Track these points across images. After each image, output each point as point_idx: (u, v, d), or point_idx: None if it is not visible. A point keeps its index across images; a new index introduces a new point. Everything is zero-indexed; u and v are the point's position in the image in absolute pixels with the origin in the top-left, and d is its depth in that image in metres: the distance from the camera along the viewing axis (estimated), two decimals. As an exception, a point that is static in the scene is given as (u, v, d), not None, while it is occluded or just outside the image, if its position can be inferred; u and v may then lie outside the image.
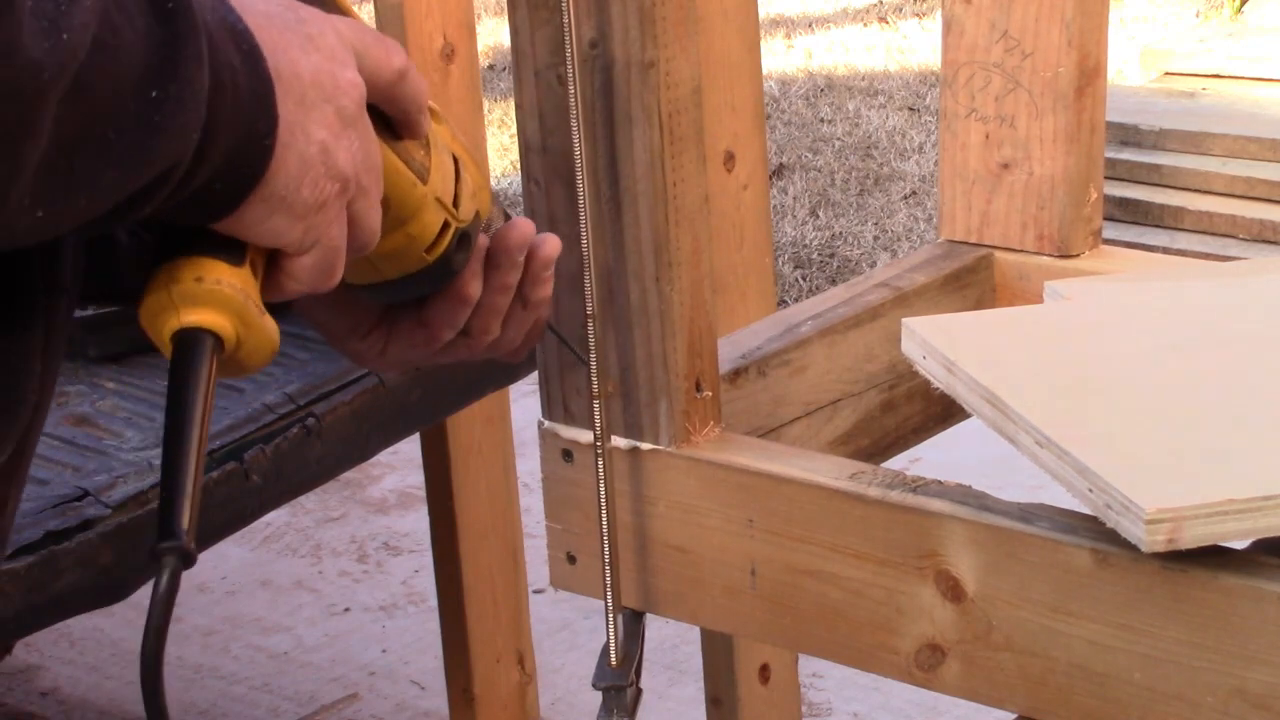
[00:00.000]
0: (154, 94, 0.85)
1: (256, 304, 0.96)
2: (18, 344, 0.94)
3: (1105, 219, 1.71)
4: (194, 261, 0.94)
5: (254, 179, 0.92)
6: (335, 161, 0.95)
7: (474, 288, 1.13)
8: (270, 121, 0.92)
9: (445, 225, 1.09)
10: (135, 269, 0.96)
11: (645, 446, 1.31)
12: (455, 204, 1.10)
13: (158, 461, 1.97)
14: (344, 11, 1.04)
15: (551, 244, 1.16)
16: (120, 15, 0.84)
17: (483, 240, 1.14)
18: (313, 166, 0.94)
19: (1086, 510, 1.16)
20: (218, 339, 0.94)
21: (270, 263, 0.98)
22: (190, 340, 0.94)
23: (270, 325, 0.96)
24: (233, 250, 0.95)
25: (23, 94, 0.79)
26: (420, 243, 1.09)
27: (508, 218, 1.19)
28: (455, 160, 1.12)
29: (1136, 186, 5.00)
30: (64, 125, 0.81)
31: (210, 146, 0.89)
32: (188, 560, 0.90)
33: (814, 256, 5.00)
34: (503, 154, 5.88)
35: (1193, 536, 1.10)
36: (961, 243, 1.68)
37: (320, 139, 0.95)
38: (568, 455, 1.35)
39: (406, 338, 1.15)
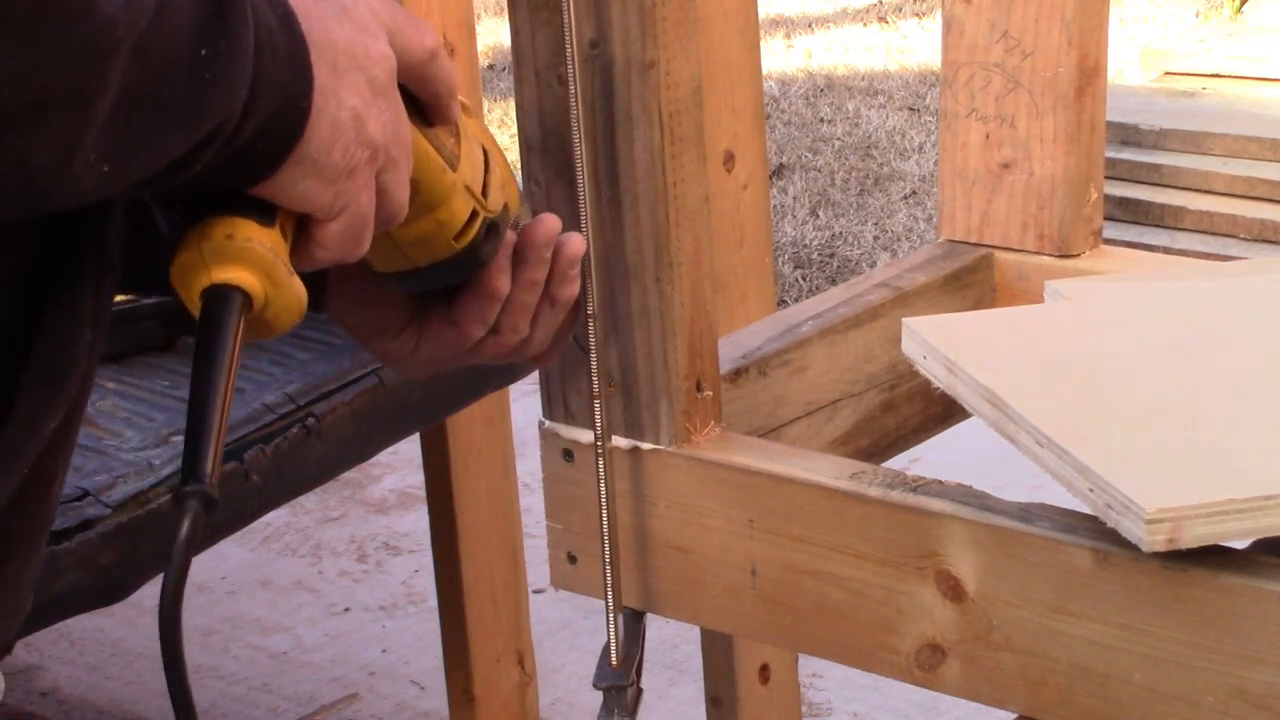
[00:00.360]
0: (203, 51, 0.87)
1: (286, 264, 0.96)
2: (68, 311, 0.95)
3: (1105, 219, 1.71)
4: (226, 220, 0.95)
5: (293, 139, 0.93)
6: (366, 129, 0.97)
7: (503, 283, 1.14)
8: (306, 83, 0.93)
9: (474, 214, 1.10)
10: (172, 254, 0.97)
11: (646, 446, 1.31)
12: (484, 193, 1.11)
13: (158, 462, 1.98)
14: None
15: (576, 242, 1.17)
16: None
17: (510, 236, 1.15)
18: (344, 132, 0.95)
19: (1087, 510, 1.16)
20: (246, 296, 0.95)
21: (300, 231, 0.99)
22: (219, 296, 0.95)
23: (299, 286, 0.97)
24: (264, 212, 0.96)
25: (99, 51, 0.81)
26: (449, 229, 1.10)
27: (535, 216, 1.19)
28: (485, 152, 1.13)
29: (1137, 186, 5.00)
30: (127, 82, 0.83)
31: (255, 104, 0.90)
32: (210, 504, 0.91)
33: (814, 256, 5.00)
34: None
35: (1193, 536, 1.10)
36: (962, 243, 1.68)
37: (352, 105, 0.96)
38: (568, 455, 1.35)
39: (437, 336, 1.16)
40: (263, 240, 0.95)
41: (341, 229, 0.99)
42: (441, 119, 1.07)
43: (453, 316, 1.15)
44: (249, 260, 0.95)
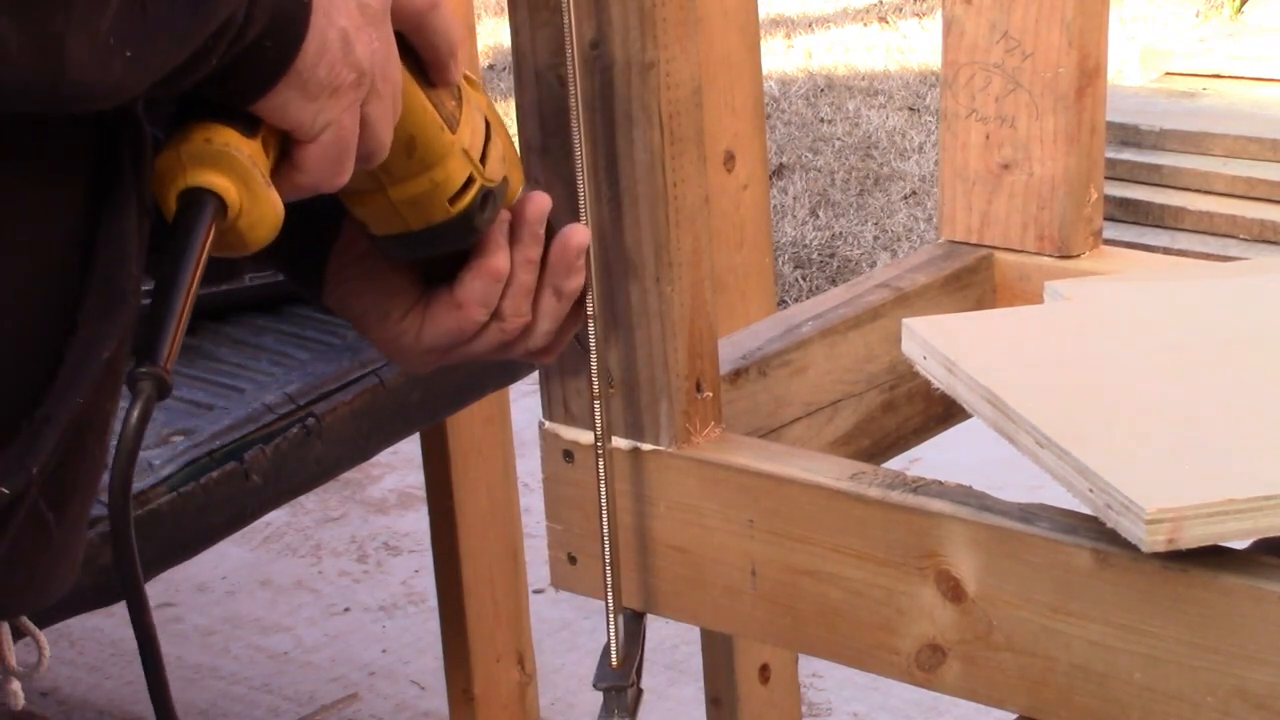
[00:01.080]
0: None
1: (264, 174, 0.96)
2: (118, 243, 0.96)
3: (1106, 219, 1.71)
4: (206, 125, 0.96)
5: (293, 47, 0.94)
6: (353, 51, 0.97)
7: (501, 260, 1.15)
8: (305, 8, 0.94)
9: (471, 180, 1.11)
10: None
11: (646, 447, 1.31)
12: (483, 161, 1.11)
13: (158, 462, 1.98)
14: None
15: (581, 233, 1.17)
16: None
17: (505, 214, 1.15)
18: (330, 49, 0.96)
19: (1087, 510, 1.16)
20: (221, 202, 0.95)
21: (282, 155, 0.99)
22: (194, 198, 0.95)
23: (275, 199, 0.97)
24: (248, 122, 0.96)
25: None
26: (444, 191, 1.10)
27: None
28: (488, 123, 1.13)
29: (1137, 187, 5.00)
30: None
31: (256, 6, 0.91)
32: (163, 387, 0.91)
33: (814, 256, 5.00)
34: (503, 154, 5.87)
35: (1193, 536, 1.10)
36: (962, 243, 1.69)
37: (341, 25, 0.96)
38: (568, 456, 1.35)
39: (441, 322, 1.16)
40: (241, 148, 0.95)
41: (321, 151, 0.99)
42: (441, 77, 1.08)
43: (456, 299, 1.15)
44: (226, 165, 0.95)
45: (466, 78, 1.14)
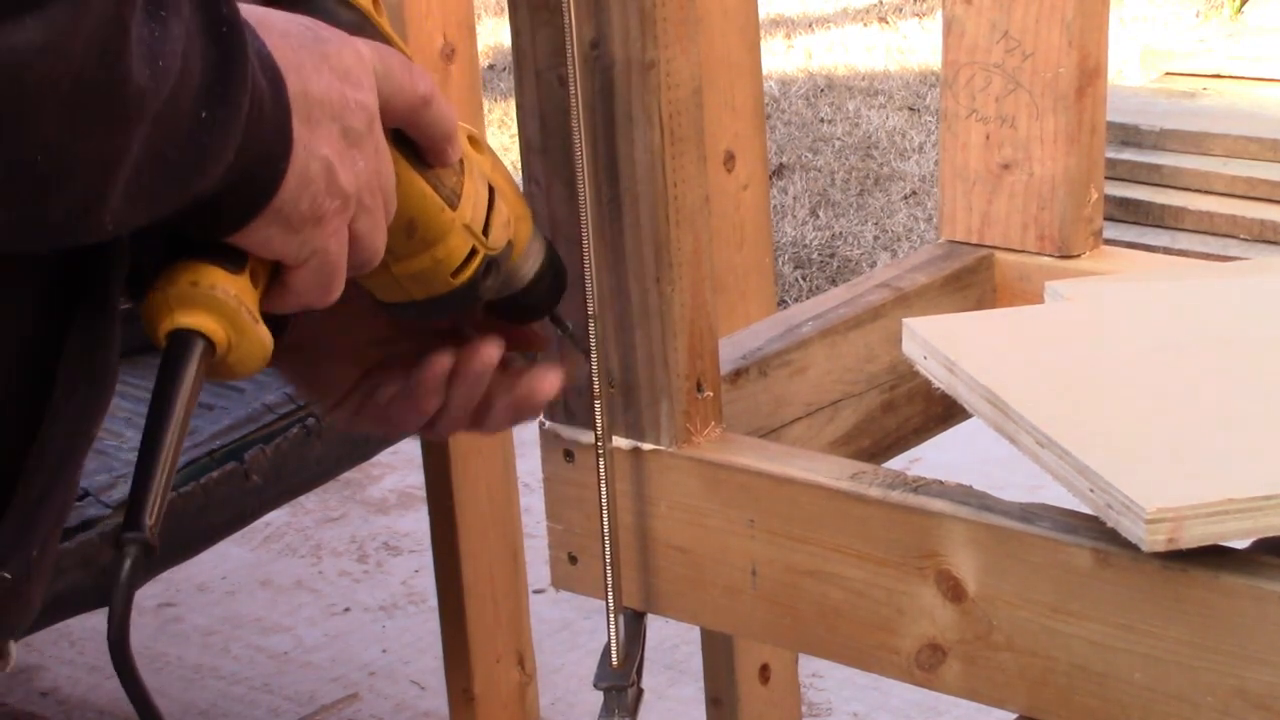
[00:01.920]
0: (204, 115, 0.87)
1: (251, 312, 0.98)
2: (106, 317, 0.96)
3: (1106, 219, 1.71)
4: (192, 266, 0.97)
5: (266, 197, 0.95)
6: (337, 179, 0.97)
7: (488, 354, 1.17)
8: (285, 146, 0.94)
9: (473, 252, 1.12)
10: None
11: (646, 447, 1.31)
12: (485, 232, 1.13)
13: (158, 462, 1.97)
14: (386, 38, 1.07)
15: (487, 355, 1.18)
16: (191, 40, 0.86)
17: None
18: (313, 182, 0.96)
19: (1087, 510, 1.16)
20: (209, 342, 0.97)
21: (272, 275, 1.00)
22: (181, 340, 0.97)
23: (263, 334, 0.99)
24: (233, 258, 0.98)
25: (128, 120, 0.82)
26: (446, 266, 1.11)
27: (552, 251, 1.21)
28: (491, 189, 1.14)
29: (1137, 187, 5.00)
30: (144, 145, 0.84)
31: (233, 166, 0.91)
32: (149, 552, 0.93)
33: (814, 256, 5.00)
34: (503, 154, 5.86)
35: (1193, 536, 1.10)
36: (962, 243, 1.69)
37: (323, 155, 0.96)
38: (569, 455, 1.35)
39: (385, 412, 1.18)
40: (227, 288, 0.97)
41: (309, 275, 1.00)
42: (439, 161, 1.09)
43: (412, 389, 1.17)
44: (211, 307, 0.97)
45: (472, 138, 1.15)
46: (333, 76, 0.97)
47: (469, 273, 1.12)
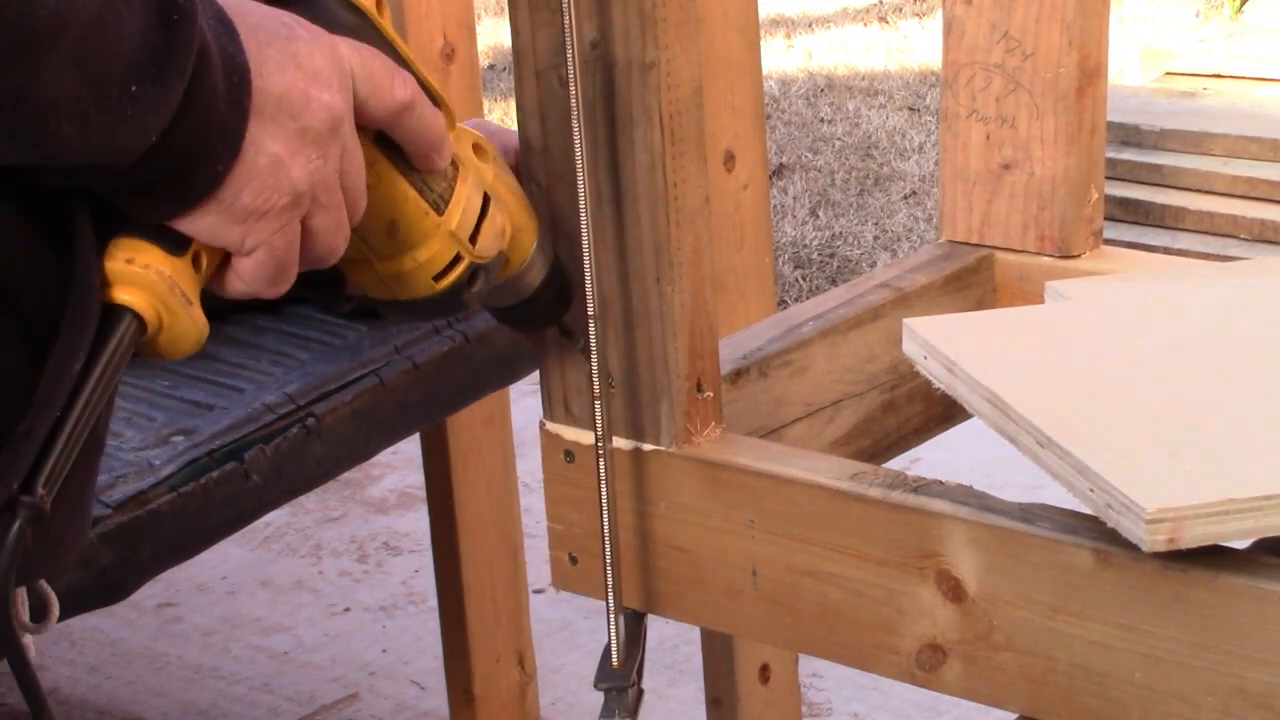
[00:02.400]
0: (133, 88, 0.89)
1: (185, 294, 0.99)
2: (74, 355, 0.97)
3: (1106, 219, 1.71)
4: (131, 243, 0.98)
5: (207, 189, 0.96)
6: (288, 175, 0.98)
7: None
8: (233, 149, 0.96)
9: (458, 258, 1.13)
10: None
11: (647, 447, 1.31)
12: (473, 239, 1.13)
13: (158, 462, 1.98)
14: (387, 39, 1.08)
15: None
16: (124, 4, 0.88)
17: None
18: (258, 176, 0.97)
19: (1087, 510, 1.16)
20: (139, 319, 0.98)
21: (222, 261, 1.01)
22: (110, 314, 0.98)
23: (196, 318, 1.00)
24: (176, 241, 0.99)
25: (37, 36, 0.84)
26: (428, 269, 1.13)
27: (558, 264, 1.22)
28: (487, 198, 1.15)
29: (1137, 187, 5.00)
30: (59, 86, 0.86)
31: (163, 152, 0.92)
32: (39, 517, 0.93)
33: (814, 256, 5.00)
34: (503, 154, 5.87)
35: (1193, 536, 1.10)
36: (962, 243, 1.68)
37: (273, 152, 0.98)
38: (569, 456, 1.35)
39: None
40: (161, 269, 0.98)
41: (255, 266, 1.01)
42: (424, 167, 1.10)
43: None
44: (142, 285, 0.98)
45: (477, 145, 1.16)
46: (298, 74, 0.98)
47: (452, 278, 1.13)
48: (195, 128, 0.93)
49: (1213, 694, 1.13)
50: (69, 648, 3.27)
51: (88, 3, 0.86)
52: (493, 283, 1.18)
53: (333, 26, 1.05)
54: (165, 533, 1.96)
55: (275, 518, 3.60)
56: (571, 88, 1.22)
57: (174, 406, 2.11)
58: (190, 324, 0.99)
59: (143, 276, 0.97)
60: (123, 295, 0.98)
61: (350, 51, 1.03)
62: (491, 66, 6.89)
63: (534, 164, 1.28)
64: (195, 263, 1.00)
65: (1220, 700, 1.12)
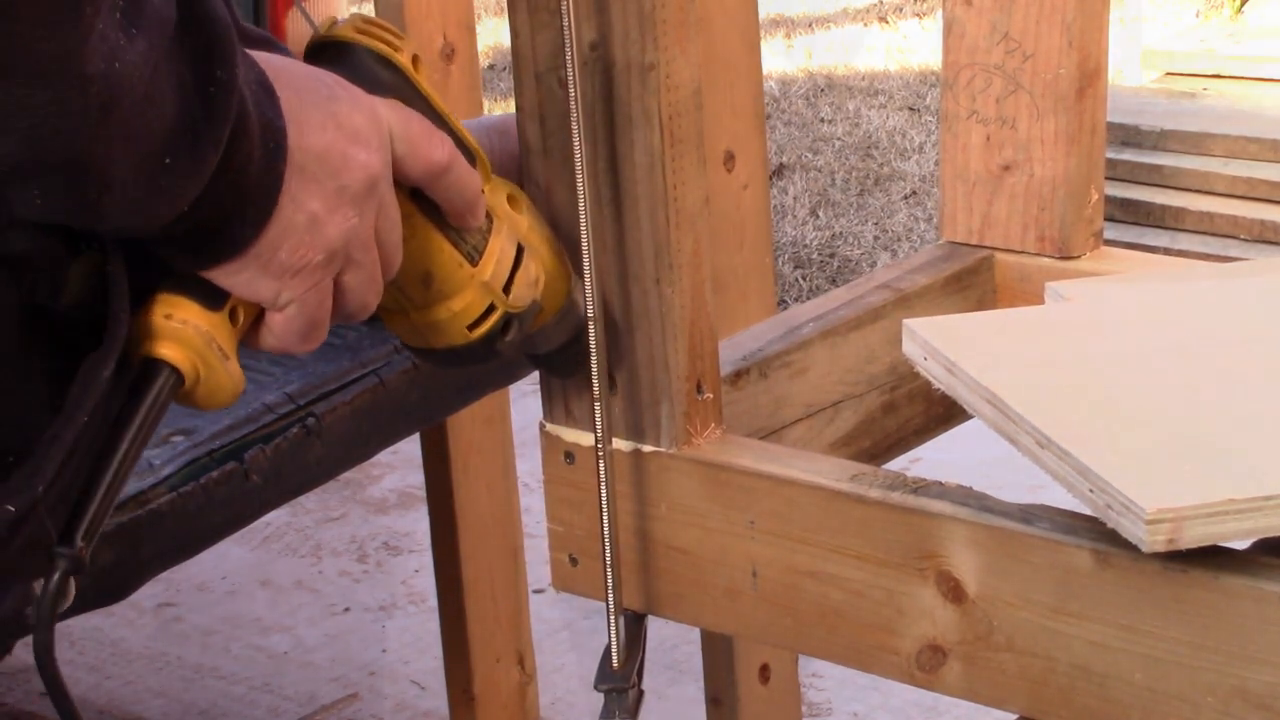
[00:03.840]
0: (167, 160, 0.90)
1: (222, 349, 1.00)
2: (104, 362, 0.99)
3: (1106, 220, 1.71)
4: (169, 298, 1.00)
5: (244, 245, 0.97)
6: (323, 232, 0.99)
7: None
8: (267, 210, 0.97)
9: (491, 308, 1.14)
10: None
11: (647, 448, 1.31)
12: (507, 289, 1.14)
13: (158, 461, 1.98)
14: (424, 96, 1.10)
15: None
16: (166, 78, 0.89)
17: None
18: (295, 234, 0.98)
19: (1087, 511, 1.16)
20: (176, 373, 1.00)
21: (258, 315, 1.03)
22: (150, 368, 0.99)
23: (233, 372, 1.01)
24: (213, 295, 1.00)
25: (85, 92, 0.85)
26: (462, 319, 1.15)
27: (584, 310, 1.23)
28: (521, 249, 1.16)
29: (1137, 187, 5.00)
30: (106, 160, 0.87)
31: (195, 213, 0.93)
32: (78, 568, 0.96)
33: (814, 256, 5.00)
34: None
35: (1193, 536, 1.10)
36: (962, 244, 1.69)
37: (311, 210, 0.99)
38: (569, 457, 1.35)
39: None
40: (199, 324, 0.99)
41: (286, 320, 1.02)
42: (459, 225, 1.12)
43: None
44: (180, 341, 0.99)
45: (512, 197, 1.17)
46: (337, 134, 1.00)
47: (486, 327, 1.15)
48: (227, 191, 0.94)
49: (1213, 694, 1.13)
50: (69, 648, 3.27)
51: (139, 80, 0.87)
52: (527, 331, 1.19)
53: (372, 85, 1.07)
54: (165, 533, 1.96)
55: (275, 518, 3.60)
56: (571, 89, 1.22)
57: (174, 406, 2.11)
58: (226, 378, 1.01)
59: (181, 332, 0.99)
60: (162, 350, 0.99)
61: (389, 112, 1.05)
62: (491, 66, 6.89)
63: (534, 166, 1.28)
64: (232, 317, 1.01)
65: (1220, 701, 1.12)
